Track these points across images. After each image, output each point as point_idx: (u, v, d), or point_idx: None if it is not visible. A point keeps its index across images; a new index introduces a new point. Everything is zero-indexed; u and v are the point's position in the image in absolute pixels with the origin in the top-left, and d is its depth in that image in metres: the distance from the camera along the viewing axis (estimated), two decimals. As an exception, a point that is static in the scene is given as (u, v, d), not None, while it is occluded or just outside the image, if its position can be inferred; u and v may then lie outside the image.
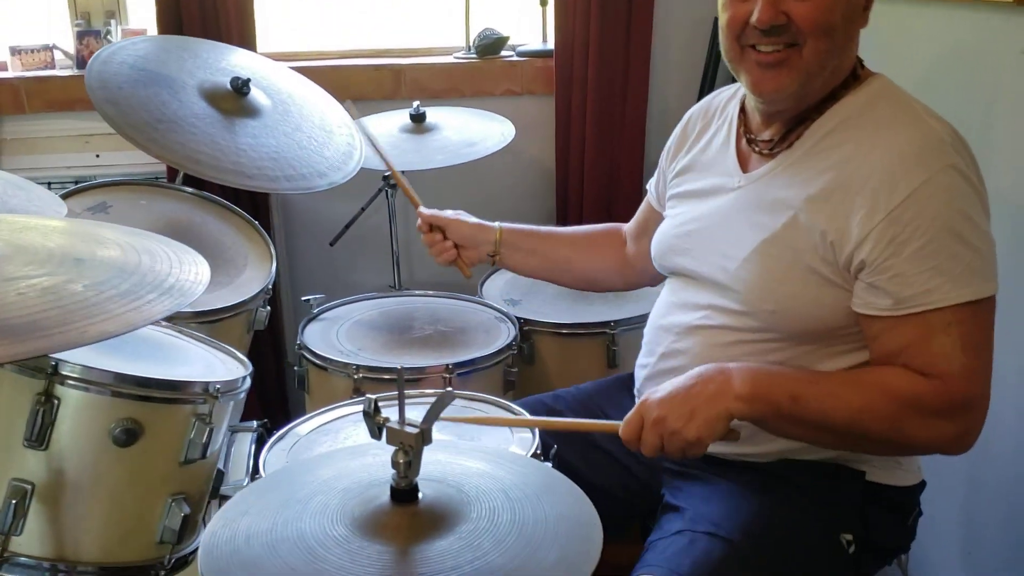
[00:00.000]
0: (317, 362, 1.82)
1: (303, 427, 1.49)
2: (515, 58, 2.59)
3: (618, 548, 1.59)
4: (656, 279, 1.71)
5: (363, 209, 2.35)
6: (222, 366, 1.50)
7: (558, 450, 1.39)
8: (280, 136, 1.95)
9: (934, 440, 1.19)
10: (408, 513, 0.96)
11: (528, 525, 0.94)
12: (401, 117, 2.28)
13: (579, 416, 1.53)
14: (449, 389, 0.97)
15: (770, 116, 1.33)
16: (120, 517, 1.30)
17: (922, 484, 1.39)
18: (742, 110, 1.40)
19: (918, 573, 1.82)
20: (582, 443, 1.50)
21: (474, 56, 2.58)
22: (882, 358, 1.20)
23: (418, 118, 2.25)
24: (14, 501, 1.22)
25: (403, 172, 2.22)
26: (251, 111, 1.96)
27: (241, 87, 1.96)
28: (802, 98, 1.26)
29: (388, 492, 0.97)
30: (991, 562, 1.60)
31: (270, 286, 1.91)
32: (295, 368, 1.90)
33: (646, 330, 1.50)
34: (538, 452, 1.37)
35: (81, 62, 2.40)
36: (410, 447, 0.96)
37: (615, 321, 1.94)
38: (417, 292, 2.17)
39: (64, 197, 1.82)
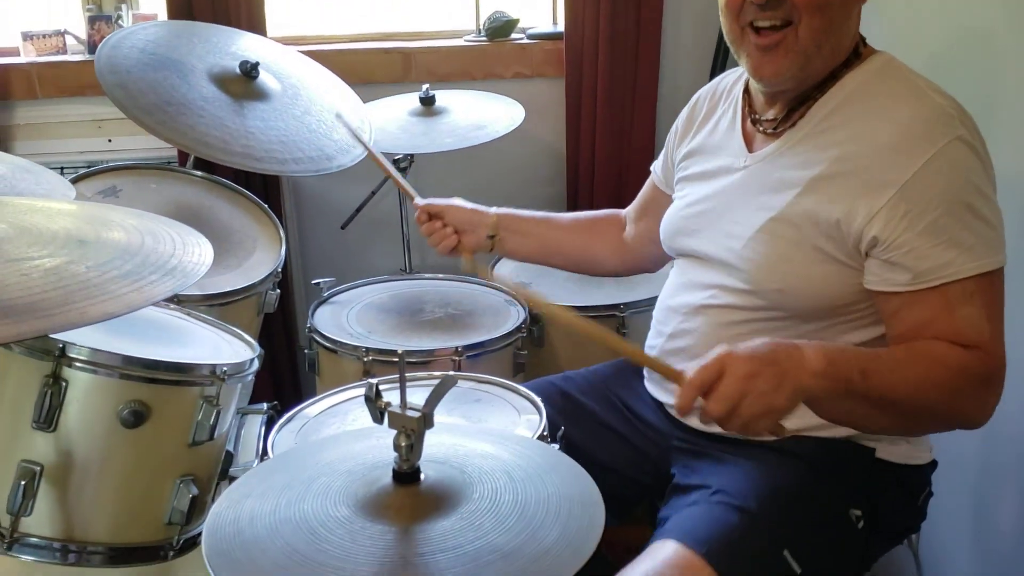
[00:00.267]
0: (327, 345, 1.82)
1: (312, 409, 1.50)
2: (525, 41, 2.58)
3: (628, 530, 1.60)
4: (656, 264, 1.70)
5: (373, 193, 2.35)
6: (230, 348, 1.51)
7: (565, 431, 1.39)
8: (289, 119, 1.95)
9: (978, 410, 1.17)
10: (410, 494, 0.96)
11: (530, 505, 0.94)
12: (411, 100, 2.27)
13: (590, 400, 1.52)
14: (451, 373, 0.97)
15: (773, 96, 1.33)
16: (129, 498, 1.31)
17: (933, 464, 1.38)
18: (746, 91, 1.40)
19: (929, 554, 1.81)
20: (591, 423, 1.50)
21: (484, 39, 2.57)
22: (904, 335, 1.19)
23: (427, 101, 2.24)
24: (23, 482, 1.23)
25: (411, 156, 2.23)
26: (260, 95, 1.96)
27: (250, 71, 1.96)
28: (803, 79, 1.26)
29: (390, 474, 0.97)
30: (1003, 544, 1.59)
31: (279, 269, 1.91)
32: (306, 351, 1.91)
33: (655, 311, 1.50)
34: (545, 433, 1.37)
35: (93, 47, 2.41)
36: (412, 431, 0.96)
37: (624, 304, 1.94)
38: (427, 275, 2.17)
39: (74, 181, 1.83)
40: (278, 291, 1.93)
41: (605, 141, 2.48)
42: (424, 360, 1.73)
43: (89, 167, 2.01)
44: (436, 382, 0.98)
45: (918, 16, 1.79)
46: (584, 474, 1.02)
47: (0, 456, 1.25)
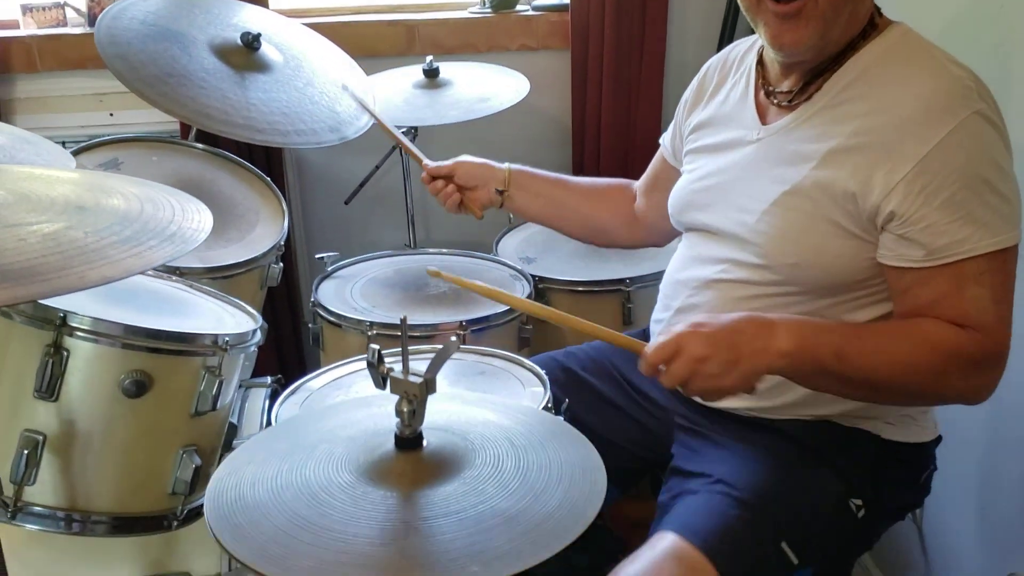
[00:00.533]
0: (331, 319, 1.82)
1: (315, 382, 1.50)
2: (530, 12, 2.55)
3: (633, 504, 1.60)
4: (665, 238, 1.68)
5: (377, 167, 2.34)
6: (232, 319, 1.50)
7: (569, 404, 1.39)
8: (291, 91, 1.94)
9: (969, 391, 1.17)
10: (412, 459, 0.96)
11: (532, 471, 0.94)
12: (415, 72, 2.25)
13: (592, 375, 1.52)
14: (453, 338, 0.96)
15: (788, 67, 1.30)
16: (132, 468, 1.31)
17: (938, 439, 1.37)
18: (759, 62, 1.37)
19: (933, 528, 1.81)
20: (593, 398, 1.49)
21: (489, 11, 2.55)
22: (912, 311, 1.18)
23: (431, 73, 2.23)
24: (26, 451, 1.23)
25: (416, 128, 2.21)
26: (262, 66, 1.95)
27: (251, 42, 1.94)
28: (821, 49, 1.23)
29: (393, 440, 0.97)
30: (1007, 518, 1.58)
31: (282, 242, 1.90)
32: (310, 325, 1.90)
33: (662, 285, 1.48)
34: (549, 406, 1.36)
35: (93, 19, 2.39)
36: (414, 396, 0.95)
37: (630, 278, 1.93)
38: (432, 250, 2.16)
39: (75, 153, 1.82)
40: (281, 265, 1.92)
41: (611, 114, 2.46)
42: (428, 334, 1.73)
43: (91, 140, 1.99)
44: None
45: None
46: (585, 441, 1.02)
47: (3, 425, 1.25)
